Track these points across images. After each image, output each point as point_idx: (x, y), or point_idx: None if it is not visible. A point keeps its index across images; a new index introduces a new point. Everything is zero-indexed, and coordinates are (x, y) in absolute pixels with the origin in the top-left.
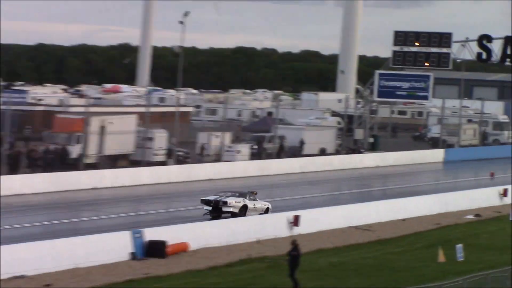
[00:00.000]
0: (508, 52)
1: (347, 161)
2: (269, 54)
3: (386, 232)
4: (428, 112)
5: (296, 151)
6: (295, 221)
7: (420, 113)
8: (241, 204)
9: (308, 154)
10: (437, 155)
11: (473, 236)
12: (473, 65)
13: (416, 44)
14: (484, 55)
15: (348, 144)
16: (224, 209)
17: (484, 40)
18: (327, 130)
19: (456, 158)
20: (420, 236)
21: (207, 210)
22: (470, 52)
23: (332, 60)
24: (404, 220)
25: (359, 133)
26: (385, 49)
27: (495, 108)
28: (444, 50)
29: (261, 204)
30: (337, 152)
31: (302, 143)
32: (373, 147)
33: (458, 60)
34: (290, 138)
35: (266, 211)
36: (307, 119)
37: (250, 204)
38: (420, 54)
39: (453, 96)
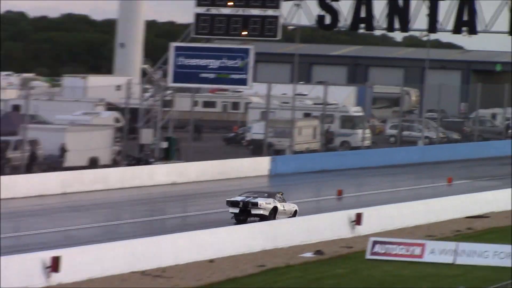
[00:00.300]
0: (363, 14)
1: (130, 176)
2: (14, 20)
3: (187, 278)
4: (247, 103)
5: (55, 162)
6: (54, 265)
7: (235, 105)
8: (271, 206)
9: (73, 167)
10: (260, 165)
11: (313, 282)
12: (313, 34)
13: (230, 3)
14: (328, 19)
15: (131, 151)
16: (253, 211)
17: None
18: (100, 131)
19: (287, 169)
20: (236, 283)
21: (233, 213)
22: (308, 15)
23: (108, 28)
24: (212, 261)
25: (146, 135)
26: (184, 12)
27: (344, 96)
28: (270, 12)
29: (289, 206)
30: (115, 163)
31: (63, 150)
32: (168, 156)
33: (291, 27)
34: (46, 143)
35: (295, 214)
36: (70, 115)
37: (280, 206)
38: (235, 18)
39: (284, 80)
